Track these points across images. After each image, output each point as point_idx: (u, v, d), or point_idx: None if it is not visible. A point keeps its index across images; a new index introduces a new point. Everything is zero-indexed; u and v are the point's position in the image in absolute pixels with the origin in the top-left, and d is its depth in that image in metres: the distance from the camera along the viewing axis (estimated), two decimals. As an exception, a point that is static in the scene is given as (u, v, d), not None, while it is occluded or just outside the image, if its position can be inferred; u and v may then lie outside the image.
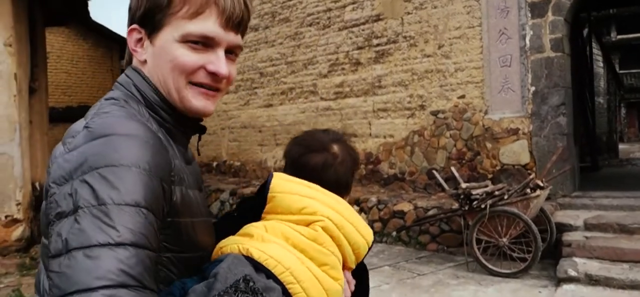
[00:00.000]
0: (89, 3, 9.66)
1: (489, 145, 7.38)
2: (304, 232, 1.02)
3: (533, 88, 7.03)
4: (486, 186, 5.90)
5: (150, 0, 0.93)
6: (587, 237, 5.60)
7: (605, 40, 28.20)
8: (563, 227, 5.95)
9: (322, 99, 9.33)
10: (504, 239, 5.50)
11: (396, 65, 8.29)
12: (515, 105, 7.19)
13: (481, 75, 7.45)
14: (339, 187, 1.19)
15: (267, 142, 10.41)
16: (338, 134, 1.32)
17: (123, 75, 1.00)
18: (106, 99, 0.96)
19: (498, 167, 7.30)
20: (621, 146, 23.18)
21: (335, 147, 1.25)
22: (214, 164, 11.97)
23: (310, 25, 9.45)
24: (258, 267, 0.93)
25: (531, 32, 7.02)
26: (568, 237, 5.67)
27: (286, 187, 1.09)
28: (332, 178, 1.19)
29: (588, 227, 5.87)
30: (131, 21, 0.98)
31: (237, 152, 11.22)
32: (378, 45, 8.50)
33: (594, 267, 5.14)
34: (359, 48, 8.74)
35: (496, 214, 5.50)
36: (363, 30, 8.67)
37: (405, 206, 7.09)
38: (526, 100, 7.09)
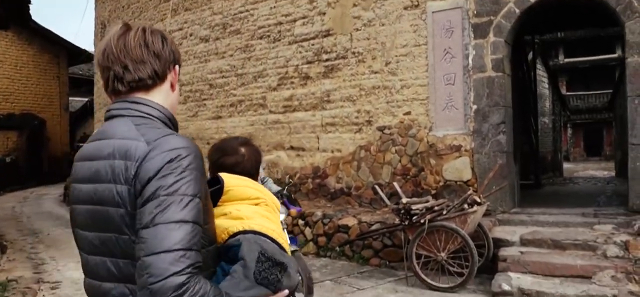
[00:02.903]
0: (30, 6, 9.31)
1: (432, 161, 7.49)
2: (261, 208, 1.54)
3: (475, 106, 7.20)
4: (427, 202, 5.96)
5: None
6: (522, 253, 5.73)
7: (553, 63, 29.39)
8: (500, 243, 6.08)
9: (271, 111, 9.27)
10: (443, 254, 5.56)
11: (345, 81, 8.34)
12: (458, 123, 7.34)
13: (426, 93, 7.57)
14: (249, 176, 1.64)
15: (216, 154, 10.24)
16: (245, 138, 1.78)
17: None
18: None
19: (441, 183, 7.41)
20: (567, 165, 24.07)
21: (243, 149, 1.71)
22: (161, 175, 11.70)
23: (261, 38, 9.42)
24: (260, 234, 1.42)
25: (474, 52, 7.20)
26: (504, 252, 5.79)
27: (234, 182, 1.55)
28: (243, 172, 1.64)
29: (524, 242, 6.02)
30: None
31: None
32: (327, 60, 8.54)
33: (528, 281, 5.26)
34: (309, 62, 8.76)
35: (435, 229, 5.57)
36: (313, 44, 8.70)
37: (350, 221, 7.09)
38: (468, 118, 7.25)
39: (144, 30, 1.35)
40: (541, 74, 16.37)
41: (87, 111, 25.09)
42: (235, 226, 1.41)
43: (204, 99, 10.44)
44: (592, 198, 9.29)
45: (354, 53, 8.23)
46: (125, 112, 1.28)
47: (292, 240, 4.19)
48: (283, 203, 4.73)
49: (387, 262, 6.62)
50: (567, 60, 36.25)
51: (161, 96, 1.35)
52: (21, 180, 19.29)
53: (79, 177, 1.31)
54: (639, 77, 6.35)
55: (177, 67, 1.39)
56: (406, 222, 5.74)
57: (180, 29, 11.04)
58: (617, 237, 5.69)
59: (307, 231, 7.45)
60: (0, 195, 17.20)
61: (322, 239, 7.28)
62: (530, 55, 12.90)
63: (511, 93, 7.49)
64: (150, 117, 1.28)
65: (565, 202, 8.40)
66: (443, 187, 7.38)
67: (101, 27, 15.35)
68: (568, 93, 34.73)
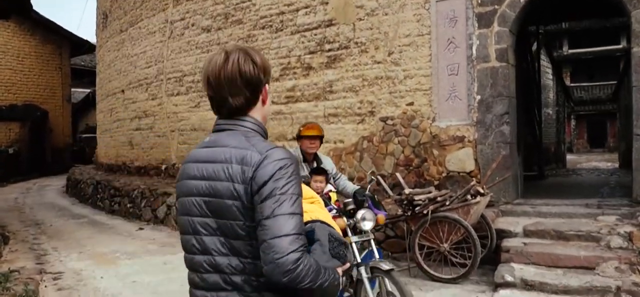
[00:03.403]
0: (32, -3, 9.27)
1: (435, 152, 7.45)
2: (316, 205, 2.47)
3: (478, 97, 7.15)
4: (429, 192, 5.93)
5: None
6: (525, 244, 5.70)
7: (557, 54, 29.23)
8: (503, 234, 6.05)
9: (273, 102, 9.23)
10: (445, 245, 5.54)
11: (347, 71, 8.29)
12: (461, 114, 7.29)
13: (429, 83, 7.52)
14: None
15: (218, 145, 10.22)
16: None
17: None
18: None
19: (444, 174, 7.38)
20: (570, 157, 23.99)
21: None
22: (163, 167, 11.69)
23: (263, 28, 9.36)
24: (324, 223, 2.12)
25: (477, 42, 7.14)
26: (507, 243, 5.76)
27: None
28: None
29: (527, 233, 5.98)
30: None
31: (186, 155, 10.97)
32: (330, 50, 8.48)
33: (530, 272, 5.23)
34: (311, 53, 8.71)
35: (438, 220, 5.54)
36: (315, 34, 8.65)
37: (352, 212, 7.06)
38: (472, 108, 7.20)
39: (239, 59, 1.59)
40: (545, 65, 16.26)
41: (89, 102, 25.13)
42: (304, 218, 1.67)
43: (206, 90, 10.39)
44: (596, 189, 9.24)
45: (356, 43, 8.18)
46: (233, 127, 1.63)
47: (378, 251, 3.99)
48: (367, 207, 3.88)
49: (390, 254, 6.60)
50: (571, 51, 36.04)
51: (257, 112, 1.67)
52: (24, 171, 19.34)
53: (193, 175, 1.63)
54: (644, 67, 6.29)
55: (267, 85, 1.68)
56: (409, 213, 5.71)
57: (182, 19, 10.99)
58: (621, 229, 5.65)
59: (310, 221, 7.43)
60: (3, 186, 17.24)
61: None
62: (534, 46, 12.81)
63: (515, 84, 7.43)
64: (253, 131, 1.62)
65: (569, 193, 8.36)
66: (446, 178, 7.34)
67: (103, 17, 15.31)
68: (572, 84, 34.56)
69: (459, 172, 7.28)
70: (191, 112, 10.77)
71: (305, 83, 8.78)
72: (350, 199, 3.91)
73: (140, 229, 9.39)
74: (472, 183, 5.63)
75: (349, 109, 8.28)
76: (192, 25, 10.75)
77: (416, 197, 5.61)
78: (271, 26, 9.23)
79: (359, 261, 3.63)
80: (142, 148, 12.54)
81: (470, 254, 5.47)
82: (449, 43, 7.36)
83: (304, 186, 2.26)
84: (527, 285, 5.05)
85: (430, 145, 7.50)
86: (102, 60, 15.44)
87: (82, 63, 26.47)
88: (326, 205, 3.42)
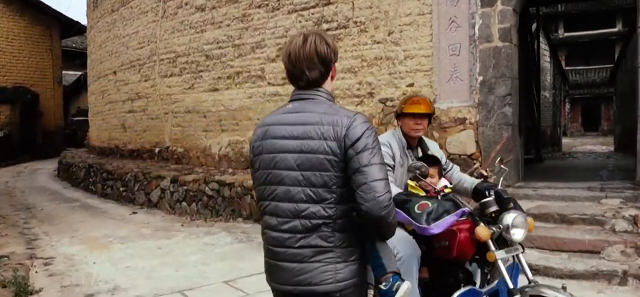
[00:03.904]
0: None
1: (436, 134, 7.30)
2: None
3: (480, 78, 6.98)
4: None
5: None
6: (528, 228, 5.57)
7: (553, 37, 29.06)
8: (506, 218, 5.91)
9: (269, 83, 9.03)
10: (448, 229, 5.39)
11: (346, 51, 8.09)
12: (463, 95, 7.13)
13: (430, 64, 7.35)
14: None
15: (212, 127, 10.03)
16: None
17: None
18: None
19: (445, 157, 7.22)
20: (565, 140, 23.95)
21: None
22: (157, 150, 11.49)
23: (259, 6, 9.13)
24: None
25: (480, 21, 6.96)
26: (510, 227, 5.63)
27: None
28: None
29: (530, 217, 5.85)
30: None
31: (180, 137, 10.79)
32: (328, 29, 8.27)
33: (534, 256, 5.12)
34: (308, 32, 8.48)
35: (440, 204, 5.39)
36: (313, 13, 8.42)
37: (351, 195, 6.92)
38: (474, 89, 7.04)
39: (315, 40, 1.92)
40: (543, 47, 16.09)
41: (80, 85, 24.75)
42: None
43: (201, 71, 10.17)
44: (595, 172, 9.15)
45: (355, 22, 7.97)
46: (312, 96, 1.93)
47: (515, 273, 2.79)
48: (512, 208, 2.75)
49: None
50: (567, 34, 35.92)
51: (327, 85, 1.98)
52: (14, 154, 19.05)
53: (282, 135, 1.90)
54: (651, 47, 6.15)
55: (335, 64, 2.00)
56: (410, 197, 5.55)
57: (175, -2, 10.72)
58: (625, 212, 5.54)
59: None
60: (-6, 169, 16.97)
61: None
62: (533, 28, 12.64)
63: (518, 65, 7.27)
64: (328, 100, 1.95)
65: (568, 176, 8.26)
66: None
67: (94, -3, 14.96)
68: (567, 68, 34.46)
69: (459, 155, 7.13)
70: (185, 94, 10.55)
71: (302, 64, 8.56)
72: (489, 199, 2.75)
73: (134, 213, 9.22)
74: (475, 166, 5.49)
75: (347, 90, 8.10)
76: (186, 4, 10.48)
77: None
78: (267, 5, 9.00)
79: (512, 286, 2.56)
80: (135, 131, 12.32)
81: (473, 238, 5.33)
82: (450, 22, 7.17)
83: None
84: (531, 270, 4.91)
85: (431, 128, 7.34)
86: (93, 41, 15.12)
87: (73, 45, 26.04)
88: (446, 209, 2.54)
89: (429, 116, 3.21)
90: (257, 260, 6.03)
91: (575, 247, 5.13)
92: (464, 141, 7.13)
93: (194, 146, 10.47)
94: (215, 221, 8.14)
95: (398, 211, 2.38)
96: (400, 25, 7.56)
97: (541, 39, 15.36)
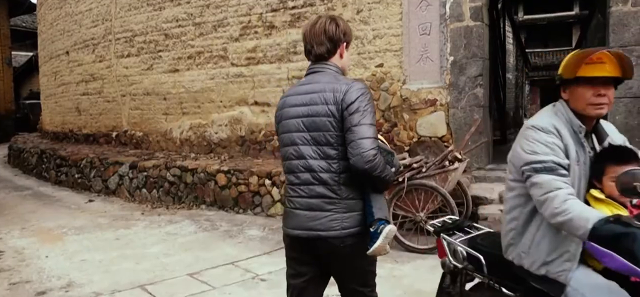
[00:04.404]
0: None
1: (406, 116, 7.12)
2: None
3: (451, 58, 6.82)
4: (404, 159, 5.60)
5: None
6: (502, 211, 5.46)
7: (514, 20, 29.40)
8: (479, 200, 5.82)
9: (232, 64, 8.65)
10: (422, 214, 5.24)
11: (312, 30, 7.79)
12: (433, 76, 6.96)
13: (400, 43, 7.14)
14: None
15: (173, 110, 9.59)
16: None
17: None
18: None
19: (415, 139, 7.07)
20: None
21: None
22: (114, 134, 10.95)
23: (221, -17, 8.70)
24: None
25: (451, 0, 6.78)
26: (484, 210, 5.53)
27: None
28: None
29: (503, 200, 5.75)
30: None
31: (139, 121, 10.29)
32: (294, 7, 7.95)
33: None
34: (274, 10, 8.15)
35: (414, 188, 5.22)
36: (278, -9, 8.07)
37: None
38: (444, 70, 6.88)
39: (325, 21, 2.24)
40: (507, 28, 16.17)
41: (32, 66, 23.56)
42: None
43: (160, 51, 9.68)
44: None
45: (322, 0, 7.67)
46: (321, 68, 2.24)
47: None
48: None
49: (360, 223, 6.27)
50: (526, 17, 36.48)
51: (336, 60, 2.26)
52: (-39, 140, 17.98)
53: (295, 103, 2.22)
54: (622, 28, 6.08)
55: (345, 44, 2.28)
56: (383, 181, 5.35)
57: (132, -26, 10.14)
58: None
59: (274, 191, 7.00)
60: (-62, 156, 15.95)
61: (290, 200, 6.87)
62: (499, 7, 12.58)
63: (489, 45, 7.14)
64: (335, 72, 2.23)
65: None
66: (417, 144, 7.03)
67: (43, -28, 14.09)
68: (527, 50, 35.07)
69: (430, 137, 6.98)
70: (143, 75, 10.04)
71: (268, 43, 8.23)
72: None
73: (90, 201, 8.73)
74: (449, 148, 5.32)
75: (314, 71, 7.81)
76: (143, -20, 9.92)
77: (391, 164, 5.25)
78: (230, -18, 8.58)
79: None
80: (91, 114, 11.70)
81: (447, 223, 5.18)
82: (421, 1, 6.96)
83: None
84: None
85: (401, 109, 7.16)
86: (44, 19, 14.27)
87: (24, 24, 24.75)
88: None
89: (616, 82, 2.05)
90: (223, 250, 5.77)
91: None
92: (434, 123, 6.98)
93: (153, 130, 10.00)
94: (177, 209, 7.77)
95: (612, 254, 1.62)
96: (368, 3, 7.31)
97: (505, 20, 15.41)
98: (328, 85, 2.15)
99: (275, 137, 8.31)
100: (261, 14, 8.26)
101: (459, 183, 5.67)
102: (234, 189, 7.35)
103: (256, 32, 8.35)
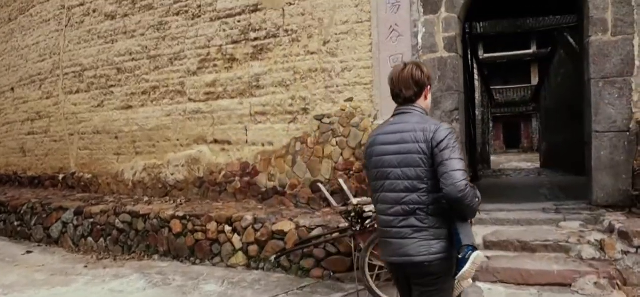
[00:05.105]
0: None
1: (378, 154, 6.59)
2: None
3: (426, 91, 6.38)
4: (379, 201, 5.04)
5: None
6: (488, 258, 4.94)
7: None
8: (462, 246, 5.26)
9: (190, 99, 8.01)
10: (401, 264, 4.65)
11: (276, 63, 7.27)
12: (406, 110, 6.48)
13: (370, 76, 6.67)
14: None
15: (125, 150, 8.82)
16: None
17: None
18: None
19: (389, 179, 6.53)
20: (491, 158, 24.34)
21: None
22: (61, 176, 10.05)
23: (178, 14, 8.12)
24: None
25: (424, 30, 6.38)
26: (468, 258, 4.96)
27: None
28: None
29: (488, 245, 5.24)
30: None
31: (88, 162, 9.45)
32: (256, 39, 7.42)
33: (500, 293, 4.49)
34: (234, 42, 7.60)
35: (392, 235, 4.64)
36: (239, 21, 7.54)
37: (286, 225, 6.03)
38: (418, 104, 6.42)
39: (412, 68, 2.54)
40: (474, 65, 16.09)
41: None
42: None
43: (111, 86, 8.96)
44: (536, 190, 8.81)
45: (286, 31, 7.17)
46: (409, 110, 2.52)
47: None
48: None
49: (332, 273, 5.63)
50: (486, 55, 37.17)
51: (422, 102, 2.56)
52: None
53: (386, 141, 2.49)
54: (603, 58, 5.76)
55: (429, 86, 2.59)
56: (357, 227, 4.77)
57: (82, 4, 9.48)
58: (589, 236, 5.05)
59: (235, 238, 6.30)
60: None
61: (253, 248, 6.16)
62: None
63: (464, 77, 6.75)
64: (422, 113, 2.51)
65: (513, 196, 7.83)
66: (390, 183, 6.51)
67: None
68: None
69: (405, 176, 6.46)
70: (93, 113, 9.27)
71: (228, 77, 7.65)
72: None
73: (28, 252, 7.79)
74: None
75: (279, 106, 7.25)
76: (94, 11, 9.26)
77: (366, 208, 4.68)
78: (187, 12, 8.01)
79: None
80: (36, 155, 10.77)
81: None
82: (391, 31, 6.54)
83: None
84: (500, 310, 4.26)
85: (373, 147, 6.63)
86: (-11, 55, 13.31)
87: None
88: None
89: None
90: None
91: (543, 279, 4.53)
92: (409, 161, 6.47)
93: (104, 172, 9.17)
94: (126, 260, 6.96)
95: None
96: (336, 34, 6.85)
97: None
98: (417, 126, 2.38)
99: (237, 178, 7.67)
100: (221, 46, 7.70)
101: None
102: (190, 236, 6.62)
103: (216, 65, 7.76)
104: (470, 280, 2.35)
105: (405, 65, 2.55)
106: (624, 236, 4.82)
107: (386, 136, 2.48)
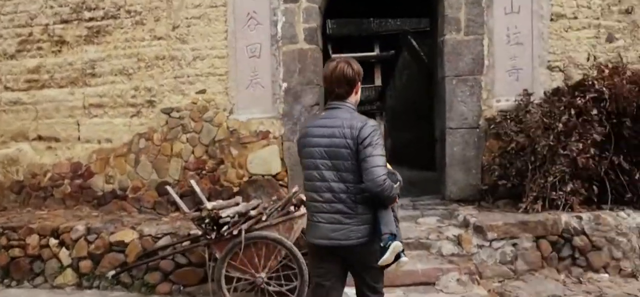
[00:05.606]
0: None
1: (234, 151, 6.06)
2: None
3: (285, 84, 6.01)
4: (237, 204, 4.52)
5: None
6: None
7: (325, 58, 30.56)
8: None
9: (7, 88, 6.67)
10: (262, 274, 4.19)
11: (116, 48, 6.34)
12: (265, 104, 6.06)
13: (225, 67, 6.10)
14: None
15: None
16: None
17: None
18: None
19: (246, 179, 6.04)
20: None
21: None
22: None
23: (-11, -16, 6.72)
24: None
25: (283, 19, 6.00)
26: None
27: None
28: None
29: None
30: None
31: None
32: (91, 19, 6.40)
33: None
34: (65, 22, 6.48)
35: (252, 242, 4.15)
36: (69, -3, 6.45)
37: (127, 235, 5.17)
38: (277, 98, 6.03)
39: (343, 66, 2.61)
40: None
41: None
42: None
43: None
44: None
45: (129, 12, 6.29)
46: (340, 106, 2.63)
47: None
48: None
49: (182, 288, 4.94)
50: (334, 55, 38.55)
51: (352, 98, 2.68)
52: None
53: (317, 134, 2.62)
54: (456, 56, 5.90)
55: (359, 82, 2.69)
56: (213, 235, 4.19)
57: None
58: (447, 232, 5.10)
59: (63, 253, 5.26)
60: None
61: (85, 264, 5.19)
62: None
63: (323, 71, 6.50)
64: (352, 109, 2.63)
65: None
66: (248, 183, 6.02)
67: None
68: (337, 87, 36.90)
69: (263, 175, 6.03)
70: None
71: (56, 62, 6.50)
72: None
73: None
74: (294, 189, 4.38)
75: (119, 97, 6.33)
76: None
77: (223, 214, 4.12)
78: (2, -18, 6.66)
79: None
80: None
81: (291, 283, 4.23)
82: (249, 19, 6.05)
83: None
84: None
85: (228, 143, 6.08)
86: None
87: None
88: None
89: None
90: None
91: (409, 279, 4.40)
92: (267, 159, 6.04)
93: None
94: None
95: None
96: (187, 18, 6.16)
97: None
98: (346, 122, 2.55)
99: (66, 181, 6.55)
100: (47, 25, 6.51)
101: (302, 230, 4.76)
102: (4, 254, 5.41)
103: (40, 48, 6.55)
104: (406, 258, 2.60)
105: (337, 63, 2.63)
106: (479, 230, 4.92)
107: (318, 129, 2.64)
